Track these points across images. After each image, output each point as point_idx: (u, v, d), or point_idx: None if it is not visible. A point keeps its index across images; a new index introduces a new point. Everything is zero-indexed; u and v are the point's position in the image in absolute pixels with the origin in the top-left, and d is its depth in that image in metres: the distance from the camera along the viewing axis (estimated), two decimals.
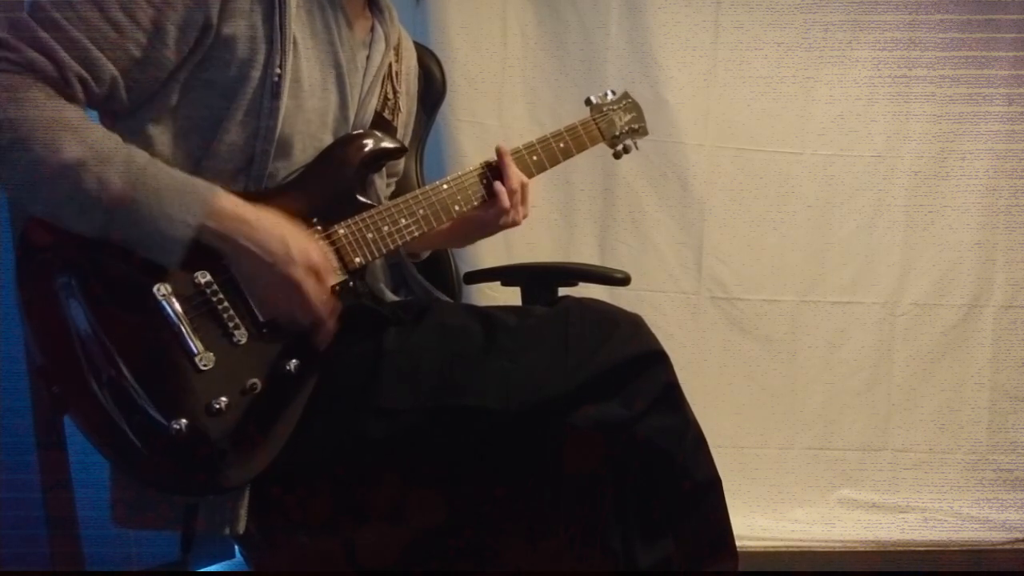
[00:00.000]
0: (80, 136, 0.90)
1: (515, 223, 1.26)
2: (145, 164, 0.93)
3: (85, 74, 0.93)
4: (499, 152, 1.24)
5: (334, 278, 1.03)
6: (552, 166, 1.32)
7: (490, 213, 1.24)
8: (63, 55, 0.92)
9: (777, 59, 2.12)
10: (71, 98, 0.94)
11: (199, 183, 0.95)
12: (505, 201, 1.22)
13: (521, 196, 1.25)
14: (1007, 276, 2.21)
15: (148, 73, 0.98)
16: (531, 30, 2.05)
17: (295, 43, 1.05)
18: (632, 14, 2.05)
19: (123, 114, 1.00)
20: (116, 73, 0.95)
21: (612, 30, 2.06)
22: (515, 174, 1.24)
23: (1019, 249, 2.21)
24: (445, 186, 1.19)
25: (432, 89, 1.48)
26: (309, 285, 0.98)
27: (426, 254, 1.45)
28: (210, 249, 0.96)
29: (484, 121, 2.04)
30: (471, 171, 1.23)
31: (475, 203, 1.23)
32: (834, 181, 2.17)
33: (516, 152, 1.28)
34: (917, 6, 2.11)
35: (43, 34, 0.91)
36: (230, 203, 0.96)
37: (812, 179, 2.16)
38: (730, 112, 2.12)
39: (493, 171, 1.24)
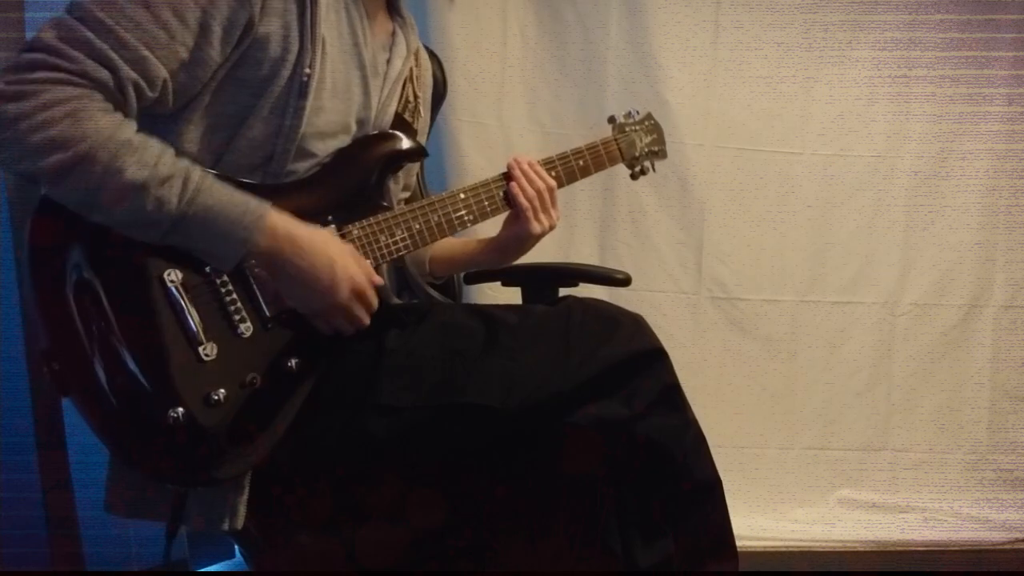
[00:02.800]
0: (139, 156, 0.90)
1: (551, 227, 1.25)
2: (199, 182, 0.93)
3: (140, 80, 0.92)
4: (509, 166, 1.23)
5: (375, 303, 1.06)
6: (570, 183, 1.31)
7: (520, 226, 1.23)
8: (120, 63, 0.90)
9: (777, 59, 2.11)
10: (125, 107, 0.93)
11: (251, 201, 0.96)
12: (523, 202, 1.21)
13: (550, 200, 1.24)
14: (1007, 276, 2.21)
15: (193, 74, 0.97)
16: (531, 30, 2.05)
17: (323, 43, 1.05)
18: (632, 14, 2.05)
19: (164, 115, 1.00)
20: (167, 76, 0.95)
21: (612, 30, 2.06)
22: (532, 180, 1.23)
23: (1019, 249, 2.20)
24: (462, 195, 1.19)
25: (433, 90, 1.47)
26: (355, 308, 1.02)
27: (449, 275, 1.43)
28: None
29: (484, 121, 2.04)
30: (488, 181, 1.22)
31: (490, 214, 1.22)
32: (834, 181, 2.16)
33: None
34: (917, 6, 2.11)
35: (98, 42, 0.89)
36: (281, 222, 0.97)
37: (812, 179, 2.16)
38: (730, 112, 2.12)
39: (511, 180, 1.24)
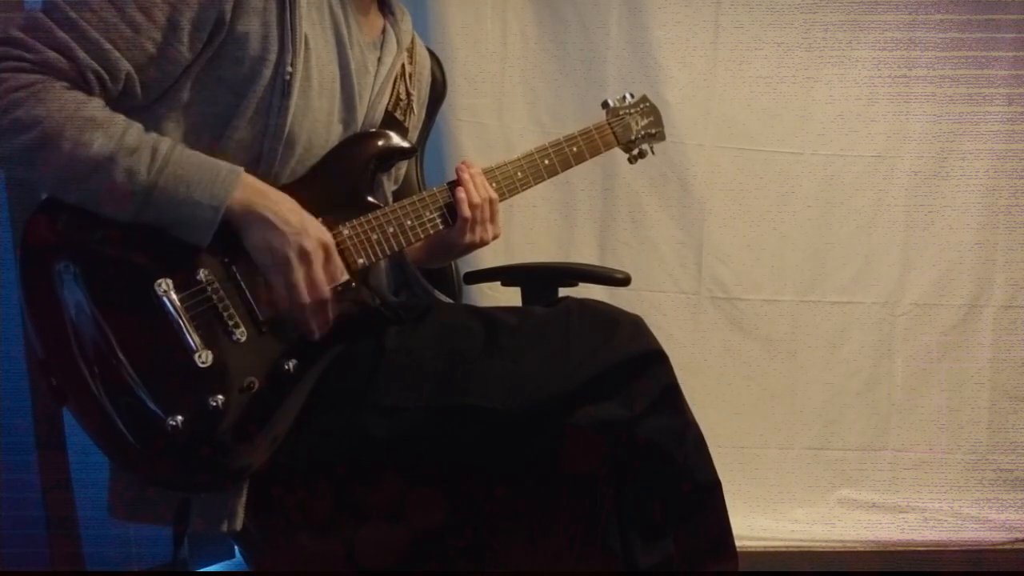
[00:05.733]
0: (106, 130, 0.92)
1: (482, 242, 1.21)
2: (169, 152, 0.94)
3: (102, 71, 0.94)
4: (458, 170, 1.20)
5: (341, 275, 1.03)
6: (564, 170, 1.30)
7: (454, 231, 1.19)
8: (80, 53, 0.92)
9: (777, 59, 2.12)
10: (89, 94, 0.94)
11: (222, 166, 0.97)
12: (465, 211, 1.17)
13: (489, 213, 1.20)
14: (1007, 276, 2.21)
15: (162, 70, 0.98)
16: (531, 30, 2.05)
17: (306, 42, 1.05)
18: (632, 14, 2.05)
19: (136, 110, 1.00)
20: (131, 70, 0.96)
21: (612, 30, 2.06)
22: (479, 188, 1.19)
23: (1019, 249, 2.20)
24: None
25: (433, 90, 1.47)
26: (318, 258, 0.99)
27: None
28: (214, 246, 0.97)
29: (484, 121, 2.04)
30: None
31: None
32: (834, 181, 2.16)
33: (528, 156, 1.27)
34: (917, 6, 2.11)
35: (60, 33, 0.92)
36: (252, 182, 0.98)
37: (812, 179, 2.16)
38: (730, 112, 2.12)
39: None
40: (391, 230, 1.12)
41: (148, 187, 0.92)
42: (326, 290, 1.00)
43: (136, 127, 0.95)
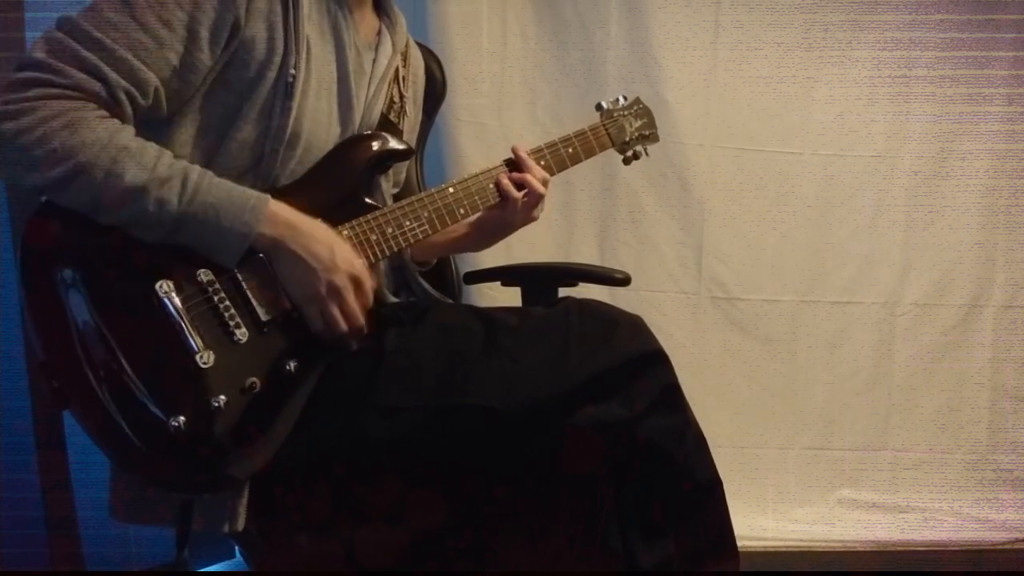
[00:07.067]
0: (138, 160, 0.92)
1: (534, 219, 1.28)
2: (198, 181, 0.94)
3: (132, 89, 0.94)
4: (515, 150, 1.26)
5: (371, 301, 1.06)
6: (560, 171, 1.32)
7: (513, 213, 1.25)
8: (110, 73, 0.92)
9: (777, 59, 2.12)
10: (120, 115, 0.94)
11: (251, 194, 0.97)
12: (539, 188, 1.23)
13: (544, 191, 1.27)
14: (1007, 276, 2.21)
15: (185, 80, 0.99)
16: (531, 30, 2.05)
17: (308, 44, 1.05)
18: (632, 14, 2.05)
19: (158, 121, 1.00)
20: (158, 83, 0.96)
21: (612, 30, 2.06)
22: (540, 170, 1.26)
23: (1019, 249, 2.20)
24: (451, 189, 1.19)
25: (432, 89, 1.47)
26: (350, 292, 1.01)
27: (435, 260, 1.45)
28: None
29: (484, 121, 2.04)
30: (478, 175, 1.23)
31: (481, 207, 1.23)
32: (834, 181, 2.16)
33: None
34: (917, 6, 2.11)
35: (86, 53, 0.91)
36: (281, 211, 0.99)
37: (812, 179, 2.16)
38: (730, 112, 2.12)
39: (513, 169, 1.25)
40: (390, 231, 1.12)
41: (179, 216, 0.93)
42: (360, 321, 1.02)
43: (167, 155, 0.95)
